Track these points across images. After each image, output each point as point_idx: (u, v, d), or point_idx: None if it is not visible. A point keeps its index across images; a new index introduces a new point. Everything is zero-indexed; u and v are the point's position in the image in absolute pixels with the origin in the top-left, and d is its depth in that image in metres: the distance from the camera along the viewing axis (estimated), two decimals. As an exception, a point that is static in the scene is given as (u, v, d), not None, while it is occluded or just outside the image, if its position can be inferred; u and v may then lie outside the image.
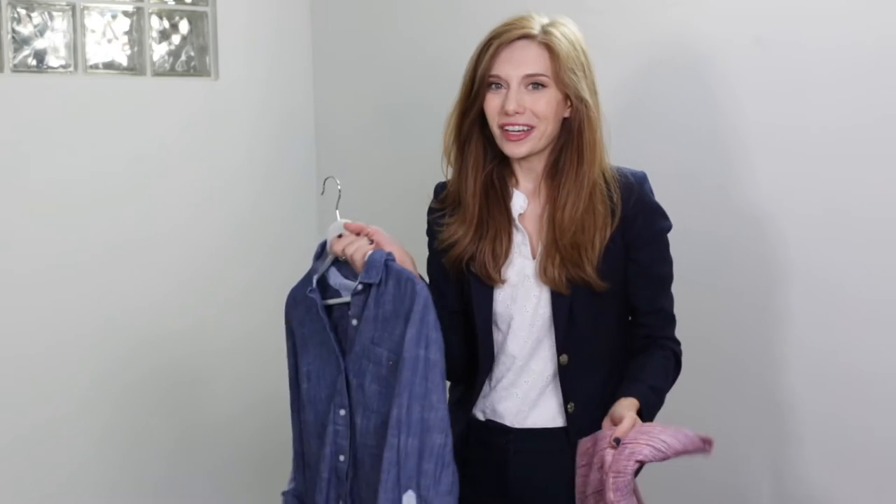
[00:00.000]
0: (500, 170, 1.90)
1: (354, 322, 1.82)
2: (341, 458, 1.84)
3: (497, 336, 1.89)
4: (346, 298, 1.84)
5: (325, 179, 1.96)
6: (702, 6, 2.23)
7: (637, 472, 1.71)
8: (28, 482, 2.69)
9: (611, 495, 1.65)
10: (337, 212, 1.88)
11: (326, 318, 1.85)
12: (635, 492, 1.73)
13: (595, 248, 1.82)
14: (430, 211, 1.97)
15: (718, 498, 2.29)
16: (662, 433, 1.68)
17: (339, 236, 1.85)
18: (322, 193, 1.99)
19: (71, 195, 2.72)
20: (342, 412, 1.83)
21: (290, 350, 1.94)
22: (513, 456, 1.89)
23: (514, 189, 1.89)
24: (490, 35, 1.84)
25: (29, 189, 2.66)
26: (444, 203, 1.94)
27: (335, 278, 1.87)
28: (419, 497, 1.74)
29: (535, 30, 1.81)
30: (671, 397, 1.90)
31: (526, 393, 1.87)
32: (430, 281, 1.92)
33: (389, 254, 1.80)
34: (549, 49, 1.79)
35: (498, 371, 1.90)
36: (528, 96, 1.80)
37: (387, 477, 1.73)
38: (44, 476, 2.71)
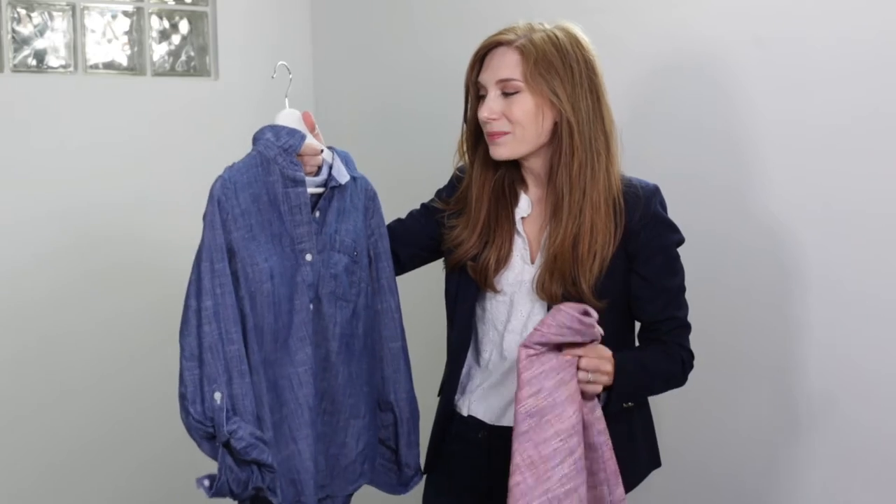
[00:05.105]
0: (510, 175, 1.91)
1: (317, 214, 1.81)
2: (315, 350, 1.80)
3: (493, 336, 1.91)
4: (316, 190, 1.83)
5: (278, 64, 1.94)
6: (703, 6, 2.23)
7: (606, 406, 1.74)
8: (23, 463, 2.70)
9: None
10: (287, 100, 1.88)
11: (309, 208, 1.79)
12: (602, 447, 1.72)
13: (594, 272, 1.81)
14: (434, 211, 1.99)
15: (733, 496, 2.29)
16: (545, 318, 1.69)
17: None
18: (273, 77, 1.94)
19: (71, 195, 2.72)
20: (312, 307, 1.80)
21: (217, 248, 1.68)
22: (489, 452, 1.90)
23: (523, 193, 1.91)
24: (477, 47, 1.85)
25: (29, 189, 2.66)
26: (450, 204, 1.95)
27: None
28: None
29: (513, 36, 1.80)
30: (687, 396, 1.88)
31: (510, 393, 1.87)
32: (410, 215, 2.02)
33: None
34: (522, 53, 1.79)
35: (486, 372, 1.92)
36: (504, 102, 1.81)
37: (406, 359, 1.93)
38: (41, 466, 2.72)
